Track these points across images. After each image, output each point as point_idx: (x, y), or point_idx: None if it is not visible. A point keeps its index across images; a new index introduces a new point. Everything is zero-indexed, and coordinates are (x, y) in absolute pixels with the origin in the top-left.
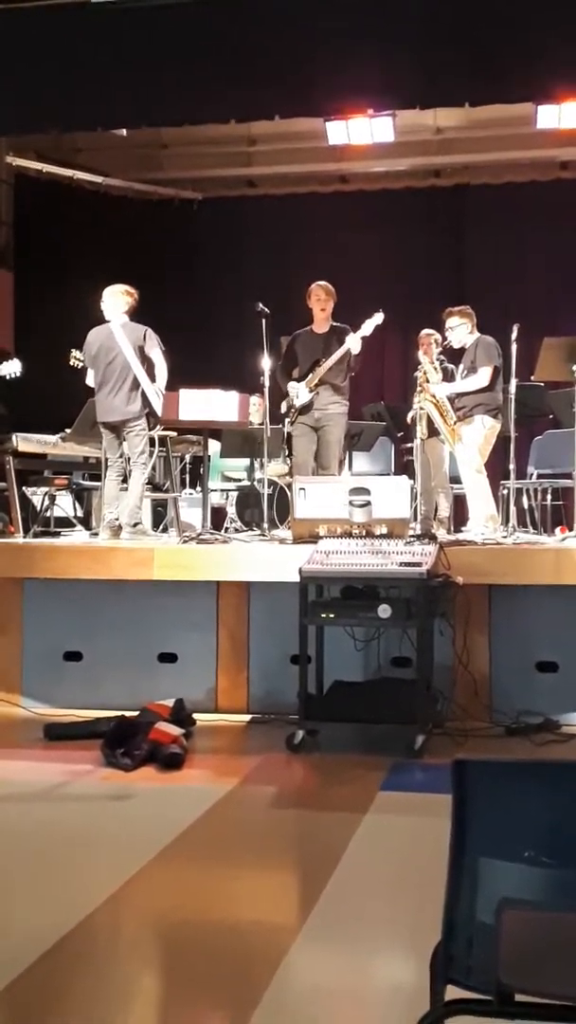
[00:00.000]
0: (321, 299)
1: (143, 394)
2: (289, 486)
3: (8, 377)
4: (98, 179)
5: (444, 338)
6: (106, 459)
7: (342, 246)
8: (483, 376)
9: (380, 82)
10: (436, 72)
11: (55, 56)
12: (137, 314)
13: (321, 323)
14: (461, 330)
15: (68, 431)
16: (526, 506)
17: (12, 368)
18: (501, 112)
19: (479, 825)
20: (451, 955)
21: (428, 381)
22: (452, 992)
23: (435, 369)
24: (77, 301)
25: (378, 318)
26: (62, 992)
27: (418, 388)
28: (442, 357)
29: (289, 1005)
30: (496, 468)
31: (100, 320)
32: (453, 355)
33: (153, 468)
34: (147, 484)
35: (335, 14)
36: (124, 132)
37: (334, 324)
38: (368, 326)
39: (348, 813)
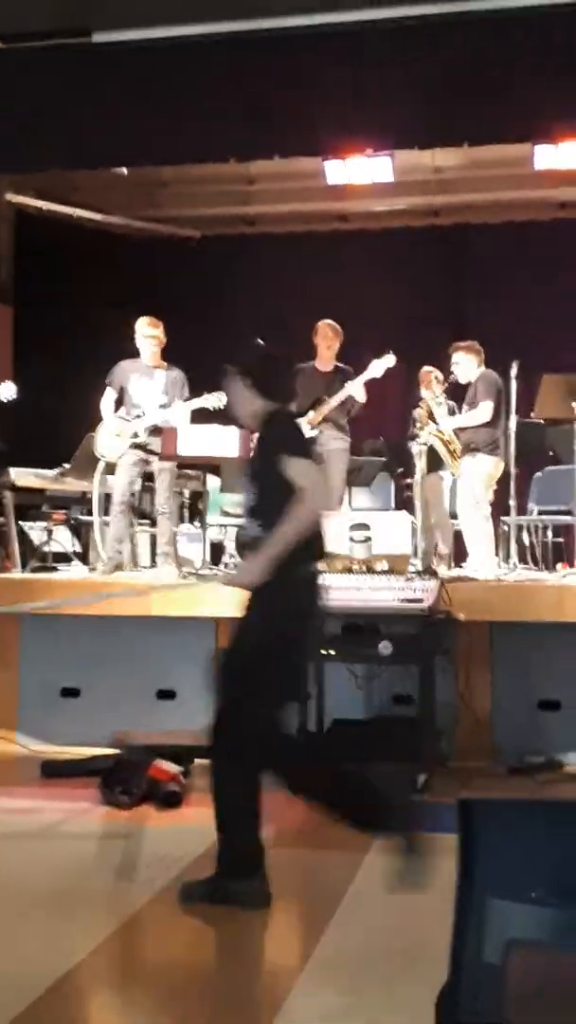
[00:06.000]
0: (328, 337)
1: None
2: None
3: (5, 401)
4: (98, 216)
5: (450, 373)
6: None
7: (341, 284)
8: (484, 411)
9: (379, 122)
10: (434, 112)
11: (56, 95)
12: (129, 351)
13: (326, 361)
14: (468, 365)
15: (67, 466)
16: (527, 543)
17: (7, 392)
18: (499, 152)
19: (485, 865)
20: (458, 997)
21: (432, 417)
22: None
23: (439, 403)
24: (76, 337)
25: (389, 360)
26: None
27: (418, 424)
28: (443, 395)
29: None
30: (497, 504)
31: (105, 357)
32: (457, 392)
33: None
34: (140, 517)
35: (334, 55)
36: (124, 171)
37: (338, 364)
38: (378, 367)
39: (350, 853)
